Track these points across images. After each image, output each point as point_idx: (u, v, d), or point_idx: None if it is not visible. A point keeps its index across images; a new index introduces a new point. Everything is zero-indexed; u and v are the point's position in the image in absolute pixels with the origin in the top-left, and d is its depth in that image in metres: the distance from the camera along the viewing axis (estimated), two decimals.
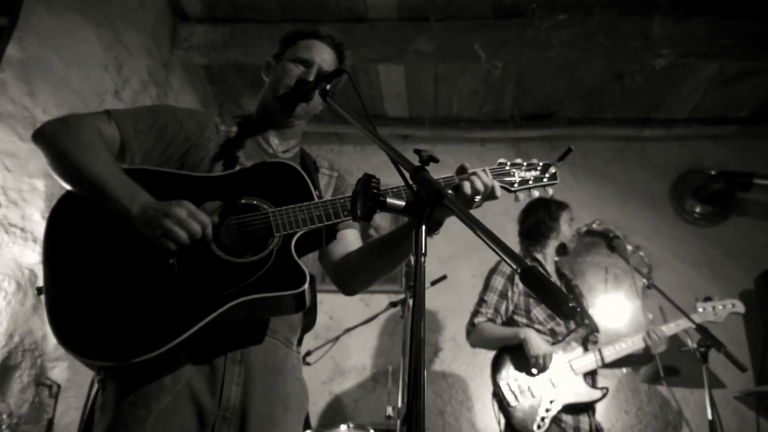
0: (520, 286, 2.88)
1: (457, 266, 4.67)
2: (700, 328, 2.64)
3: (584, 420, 2.68)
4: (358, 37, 3.91)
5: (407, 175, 1.12)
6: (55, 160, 1.41)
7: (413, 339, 0.95)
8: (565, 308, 0.74)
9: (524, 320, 2.84)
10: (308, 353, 3.65)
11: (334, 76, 1.66)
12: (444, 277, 3.44)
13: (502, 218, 4.76)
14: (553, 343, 2.78)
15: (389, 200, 1.06)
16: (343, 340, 3.97)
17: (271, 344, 1.50)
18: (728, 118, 4.69)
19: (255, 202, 1.46)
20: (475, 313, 2.88)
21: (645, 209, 4.77)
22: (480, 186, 1.43)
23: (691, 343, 2.79)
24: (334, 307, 4.57)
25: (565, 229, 3.04)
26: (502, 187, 1.53)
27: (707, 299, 2.99)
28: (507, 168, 1.58)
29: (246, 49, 3.96)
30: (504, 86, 4.47)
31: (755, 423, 4.14)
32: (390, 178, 4.94)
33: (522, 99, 4.64)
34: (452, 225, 4.68)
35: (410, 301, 3.40)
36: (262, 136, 1.72)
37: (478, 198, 1.44)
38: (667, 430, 4.21)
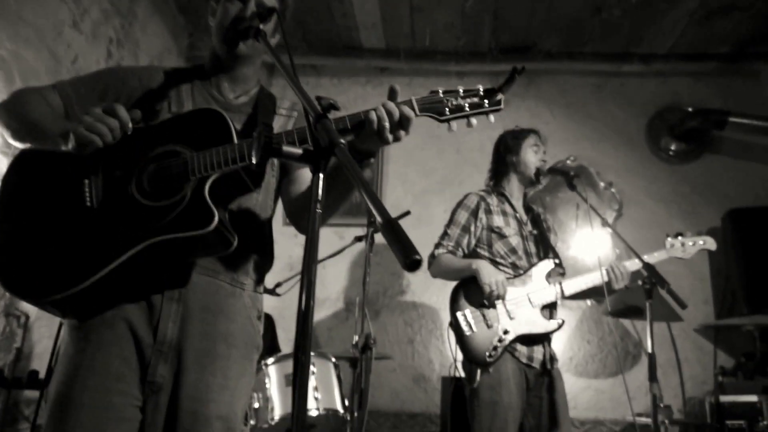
0: (484, 220, 2.90)
1: (431, 201, 4.72)
2: (647, 266, 2.69)
3: (538, 350, 2.76)
4: None
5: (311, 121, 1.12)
6: (5, 121, 1.55)
7: (303, 283, 0.99)
8: (409, 260, 0.77)
9: (486, 254, 2.87)
10: (278, 284, 3.74)
11: (267, 15, 1.62)
12: (407, 213, 3.47)
13: (478, 154, 4.80)
14: (514, 276, 2.83)
15: (284, 148, 1.08)
16: (318, 272, 4.06)
17: (212, 284, 1.53)
18: (708, 54, 4.62)
19: (177, 148, 1.47)
20: (437, 245, 2.92)
21: (620, 146, 4.77)
22: (374, 117, 1.38)
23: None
24: None
25: (529, 158, 2.95)
26: (430, 116, 1.46)
27: (678, 235, 2.99)
28: (439, 96, 1.47)
29: None
30: (481, 18, 4.37)
31: (713, 354, 4.32)
32: None
33: (500, 31, 4.54)
34: (427, 159, 4.71)
35: (374, 235, 3.47)
36: (213, 83, 1.71)
37: (384, 131, 1.38)
38: (627, 359, 4.40)
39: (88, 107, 1.42)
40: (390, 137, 1.40)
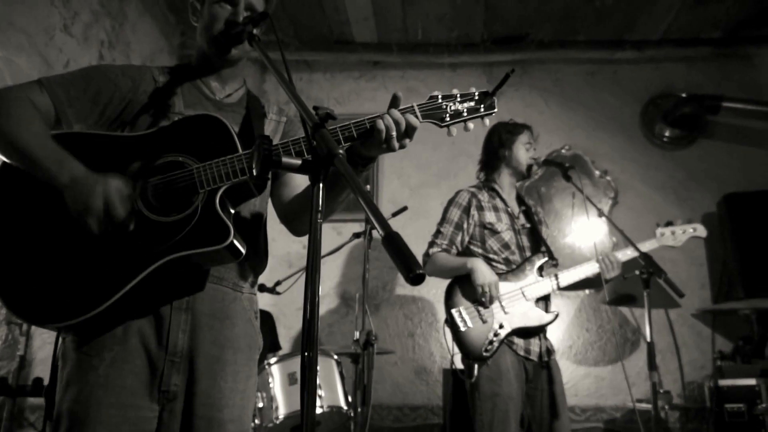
0: (476, 217, 2.91)
1: (427, 194, 4.73)
2: (644, 256, 2.71)
3: (535, 342, 2.79)
4: None
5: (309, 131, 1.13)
6: None
7: (307, 295, 1.00)
8: (412, 275, 0.78)
9: (479, 250, 2.89)
10: (278, 283, 3.75)
11: (261, 20, 1.61)
12: (404, 209, 3.50)
13: (473, 146, 4.80)
14: (507, 272, 2.86)
15: (284, 159, 1.09)
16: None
17: (219, 291, 1.55)
18: (701, 39, 4.62)
19: (180, 158, 1.46)
20: (431, 244, 2.94)
21: (615, 134, 4.79)
22: (382, 126, 1.41)
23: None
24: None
25: (521, 154, 2.98)
26: (432, 122, 1.51)
27: (668, 224, 3.00)
28: (439, 101, 1.52)
29: None
30: (473, 9, 4.36)
31: (711, 339, 4.36)
32: (359, 107, 4.93)
33: (492, 22, 4.53)
34: (422, 153, 4.70)
35: (372, 232, 3.48)
36: (202, 81, 1.71)
37: (392, 140, 1.41)
38: (626, 345, 4.43)
39: (108, 182, 1.38)
40: (397, 145, 1.43)
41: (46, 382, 2.78)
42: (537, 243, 2.96)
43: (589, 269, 2.84)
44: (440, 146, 4.75)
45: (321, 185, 1.09)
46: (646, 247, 2.84)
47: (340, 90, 5.04)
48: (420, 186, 4.79)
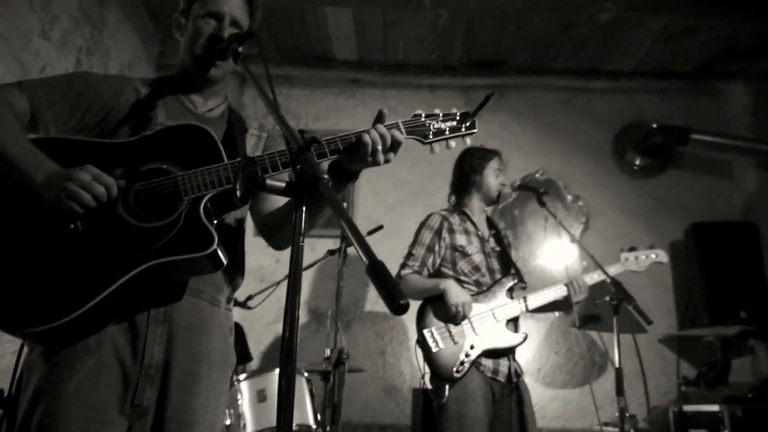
0: (447, 239, 2.95)
1: (403, 212, 4.75)
2: (614, 282, 2.77)
3: (504, 363, 2.82)
4: None
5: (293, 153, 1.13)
6: None
7: (287, 320, 0.99)
8: (396, 305, 0.79)
9: (451, 272, 2.93)
10: (249, 297, 3.72)
11: (246, 38, 1.62)
12: (380, 227, 3.52)
13: (449, 166, 4.85)
14: (478, 293, 2.89)
15: (269, 182, 1.09)
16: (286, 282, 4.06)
17: (197, 304, 1.54)
18: (673, 73, 4.77)
19: (164, 166, 1.46)
20: (403, 265, 2.97)
21: (587, 160, 4.89)
22: (369, 140, 1.44)
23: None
24: (281, 251, 4.63)
25: (491, 181, 3.03)
26: (415, 139, 1.55)
27: (631, 249, 3.09)
28: (422, 120, 1.57)
29: None
30: (453, 33, 4.43)
31: (676, 364, 4.45)
32: (338, 123, 4.93)
33: (472, 46, 4.61)
34: (399, 171, 4.74)
35: (347, 249, 3.48)
36: (184, 95, 1.70)
37: (378, 153, 1.44)
38: (593, 369, 4.49)
39: (86, 166, 1.36)
40: (382, 159, 1.46)
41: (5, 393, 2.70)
42: (507, 265, 3.01)
43: (558, 292, 2.90)
44: (417, 164, 4.79)
45: (304, 209, 1.10)
46: (611, 271, 2.92)
47: (319, 106, 5.05)
48: (396, 204, 4.81)
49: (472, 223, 3.02)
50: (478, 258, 2.94)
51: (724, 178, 4.81)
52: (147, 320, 1.45)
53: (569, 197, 4.78)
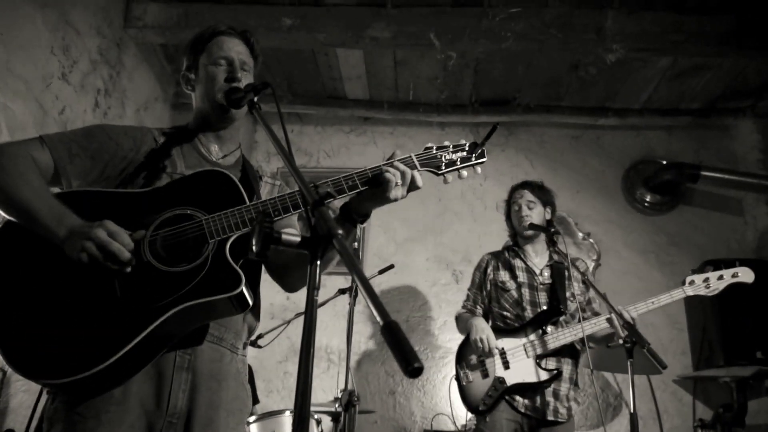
0: (491, 276, 3.12)
1: (413, 249, 4.76)
2: (628, 325, 2.73)
3: (537, 400, 2.85)
4: (314, 21, 3.88)
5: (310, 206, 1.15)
6: None
7: (300, 377, 0.99)
8: (410, 368, 0.79)
9: (496, 308, 3.07)
10: (260, 336, 3.71)
11: (263, 89, 1.67)
12: (391, 267, 3.52)
13: (459, 202, 4.88)
14: (515, 329, 2.95)
15: (284, 237, 1.11)
16: (299, 320, 4.04)
17: (218, 351, 1.55)
18: (681, 110, 4.79)
19: (189, 211, 1.49)
20: (463, 305, 3.21)
21: (597, 196, 4.89)
22: (390, 176, 1.49)
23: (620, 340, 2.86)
24: None
25: (514, 220, 3.22)
26: (429, 171, 1.60)
27: (706, 268, 2.85)
28: (434, 152, 1.62)
29: None
30: (462, 72, 4.49)
31: (692, 405, 4.36)
32: (348, 160, 4.97)
33: (481, 85, 4.67)
34: (409, 208, 4.79)
35: (357, 288, 3.48)
36: (201, 143, 1.75)
37: (398, 188, 1.49)
38: (608, 410, 4.41)
39: (104, 223, 1.39)
40: (399, 194, 1.51)
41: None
42: (552, 300, 3.01)
43: (599, 326, 2.86)
44: (427, 201, 4.81)
45: (318, 263, 1.11)
46: (672, 296, 2.80)
47: (330, 143, 5.11)
48: (406, 241, 4.82)
49: (521, 257, 3.12)
50: (517, 293, 3.03)
51: (736, 215, 4.78)
52: (173, 368, 1.46)
53: (580, 234, 4.77)
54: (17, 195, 1.42)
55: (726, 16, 3.82)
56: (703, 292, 2.79)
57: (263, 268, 1.78)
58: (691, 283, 2.85)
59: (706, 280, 2.80)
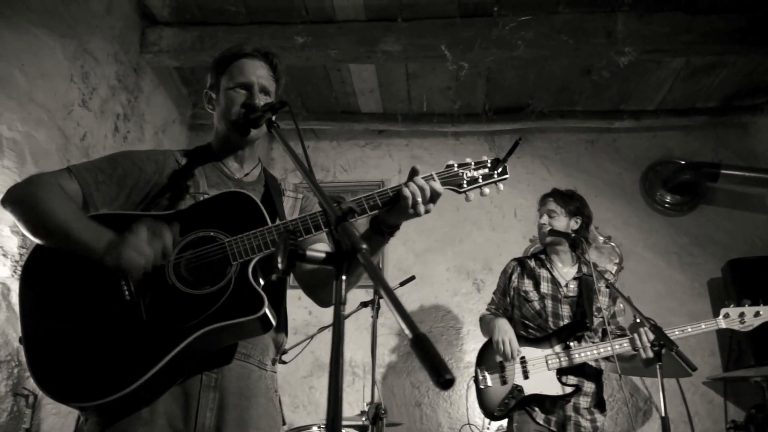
0: (516, 284, 3.11)
1: (432, 260, 4.76)
2: (655, 328, 2.70)
3: (557, 413, 2.83)
4: (326, 38, 3.93)
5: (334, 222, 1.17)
6: (23, 218, 1.51)
7: (331, 395, 1.00)
8: (442, 380, 0.80)
9: (518, 315, 3.06)
10: (284, 352, 3.71)
11: (280, 108, 1.70)
12: (412, 278, 3.53)
13: (477, 211, 4.87)
14: (537, 339, 2.92)
15: (309, 253, 1.12)
16: (323, 335, 4.05)
17: (245, 368, 1.57)
18: (697, 109, 4.75)
19: (212, 233, 1.52)
20: (487, 308, 3.22)
21: (616, 200, 4.85)
22: (408, 193, 1.50)
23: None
24: (313, 303, 4.64)
25: (540, 225, 3.23)
26: (450, 189, 1.60)
27: (742, 302, 2.78)
28: (455, 170, 1.61)
29: (216, 53, 3.95)
30: (475, 82, 4.51)
31: (723, 407, 4.29)
32: (365, 174, 5.00)
33: (493, 93, 4.68)
34: (427, 219, 4.81)
35: (380, 301, 3.49)
36: (223, 163, 1.78)
37: (418, 205, 1.49)
38: (638, 415, 4.35)
39: (144, 219, 1.44)
40: (422, 210, 1.51)
41: None
42: (576, 314, 2.98)
43: (614, 350, 2.81)
44: (445, 212, 4.81)
45: (344, 278, 1.12)
46: (703, 327, 2.80)
47: (346, 157, 5.14)
48: (425, 252, 4.82)
49: (548, 267, 3.09)
50: (539, 304, 3.00)
51: (758, 212, 4.72)
52: (200, 387, 1.48)
53: (601, 238, 4.73)
54: (54, 219, 1.47)
55: (736, 15, 3.80)
56: (737, 326, 2.77)
57: (291, 284, 1.79)
58: (726, 316, 2.82)
59: (742, 315, 2.78)
